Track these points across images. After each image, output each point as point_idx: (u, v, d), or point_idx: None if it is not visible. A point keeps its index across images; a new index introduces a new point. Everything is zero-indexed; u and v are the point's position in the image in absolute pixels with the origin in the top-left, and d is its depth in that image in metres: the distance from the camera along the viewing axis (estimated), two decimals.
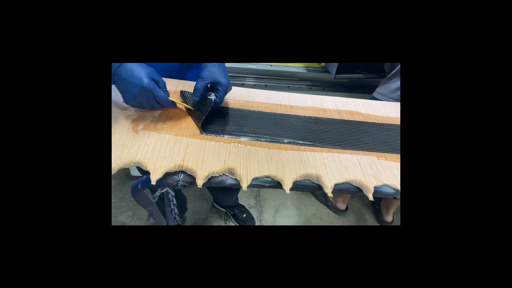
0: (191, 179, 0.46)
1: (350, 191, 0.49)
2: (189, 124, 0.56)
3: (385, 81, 0.95)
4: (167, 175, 0.46)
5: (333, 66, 1.04)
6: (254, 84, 1.14)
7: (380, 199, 1.41)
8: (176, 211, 0.80)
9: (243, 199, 1.44)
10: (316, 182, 0.48)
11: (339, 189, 0.49)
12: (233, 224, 1.33)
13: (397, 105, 0.71)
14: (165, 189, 0.73)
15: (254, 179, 0.47)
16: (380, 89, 0.95)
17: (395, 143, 0.58)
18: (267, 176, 0.48)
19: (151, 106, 0.53)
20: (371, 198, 0.47)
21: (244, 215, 1.30)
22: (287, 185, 0.47)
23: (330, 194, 0.47)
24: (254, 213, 1.37)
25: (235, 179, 0.47)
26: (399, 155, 0.56)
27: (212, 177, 0.46)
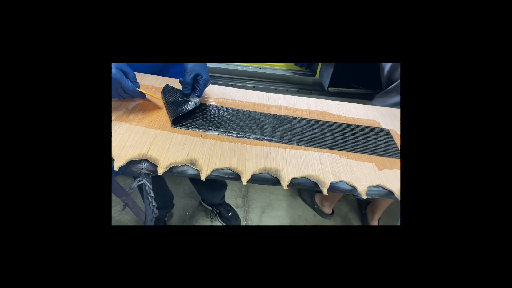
0: (154, 168, 0.49)
1: (306, 185, 0.51)
2: (160, 116, 0.58)
3: (382, 95, 0.93)
4: (131, 163, 0.49)
5: (326, 79, 1.03)
6: (243, 85, 1.16)
7: (367, 204, 1.42)
8: (154, 204, 0.82)
9: (231, 199, 1.46)
10: (274, 175, 0.50)
11: (296, 183, 0.51)
12: (219, 223, 1.34)
13: (370, 107, 0.73)
14: (142, 181, 0.76)
15: (214, 170, 0.49)
16: (376, 102, 0.93)
17: (359, 142, 0.60)
18: (227, 168, 0.50)
19: (120, 96, 0.55)
20: (325, 192, 0.49)
21: (230, 214, 1.32)
22: (245, 177, 0.49)
23: (285, 187, 0.49)
24: (240, 212, 1.39)
25: (196, 169, 0.49)
26: (361, 154, 0.58)
27: (174, 166, 0.49)
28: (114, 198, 1.37)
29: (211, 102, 0.65)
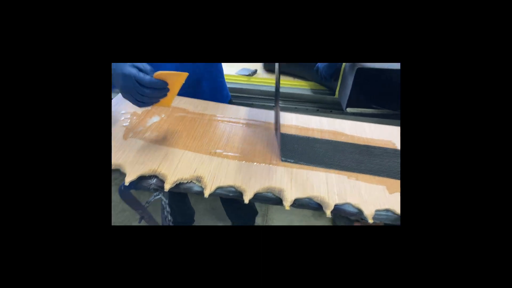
0: (163, 183, 0.51)
1: (310, 207, 0.50)
2: (173, 134, 0.62)
3: None
4: (142, 178, 0.52)
5: (344, 98, 1.01)
6: (262, 105, 1.19)
7: None
8: (170, 218, 0.85)
9: None
10: (277, 195, 0.50)
11: (299, 204, 0.50)
12: None
13: (387, 127, 0.71)
14: (159, 196, 0.79)
15: (218, 188, 0.50)
16: None
17: (370, 164, 0.58)
18: (231, 186, 0.51)
19: (140, 96, 0.51)
20: (328, 214, 0.48)
21: None
22: (248, 196, 0.49)
23: (287, 208, 0.49)
24: None
25: (200, 186, 0.51)
26: (371, 176, 0.56)
27: (180, 183, 0.51)
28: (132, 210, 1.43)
29: (222, 119, 0.68)
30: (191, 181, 0.51)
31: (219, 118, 0.69)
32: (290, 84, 1.22)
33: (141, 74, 0.49)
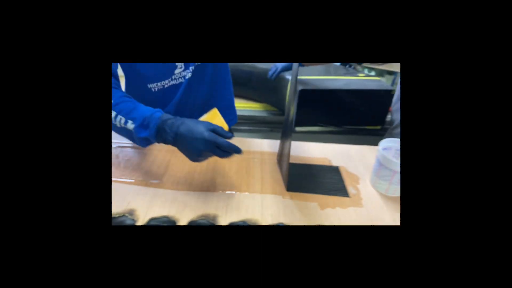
0: None
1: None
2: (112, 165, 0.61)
3: (389, 131, 0.97)
4: None
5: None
6: None
7: None
8: None
9: None
10: (211, 221, 0.51)
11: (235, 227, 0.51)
12: None
13: (325, 145, 0.75)
14: None
15: (151, 219, 0.50)
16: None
17: (305, 182, 0.61)
18: (165, 216, 0.51)
19: (219, 155, 0.51)
20: None
21: None
22: (181, 224, 0.50)
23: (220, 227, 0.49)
24: None
25: (132, 219, 0.50)
26: (305, 194, 0.58)
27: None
28: None
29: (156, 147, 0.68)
30: (123, 215, 0.51)
31: (159, 147, 0.69)
32: (243, 106, 1.25)
33: (221, 139, 0.50)
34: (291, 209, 0.54)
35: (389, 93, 1.01)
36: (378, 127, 1.12)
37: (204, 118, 0.56)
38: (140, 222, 0.49)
